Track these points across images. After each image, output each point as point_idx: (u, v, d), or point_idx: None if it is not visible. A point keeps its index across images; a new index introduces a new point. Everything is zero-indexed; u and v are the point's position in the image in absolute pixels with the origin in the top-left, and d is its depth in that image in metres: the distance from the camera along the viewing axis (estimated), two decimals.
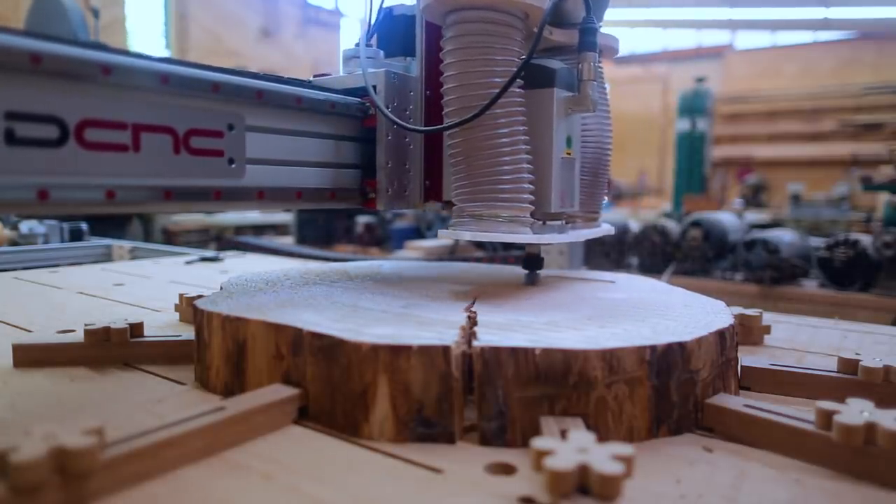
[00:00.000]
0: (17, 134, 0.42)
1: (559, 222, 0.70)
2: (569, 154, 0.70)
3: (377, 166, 0.71)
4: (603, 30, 0.71)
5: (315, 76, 0.74)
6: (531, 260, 0.76)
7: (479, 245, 3.02)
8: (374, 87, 0.69)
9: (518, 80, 0.62)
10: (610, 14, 0.78)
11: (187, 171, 0.53)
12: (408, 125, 0.69)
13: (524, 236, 0.64)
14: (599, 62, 0.71)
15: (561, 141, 0.68)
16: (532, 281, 0.76)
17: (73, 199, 0.46)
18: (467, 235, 0.64)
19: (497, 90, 0.61)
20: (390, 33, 0.77)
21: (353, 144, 0.71)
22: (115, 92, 0.47)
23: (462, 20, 0.63)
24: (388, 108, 0.69)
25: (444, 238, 0.67)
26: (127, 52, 0.48)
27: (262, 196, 0.60)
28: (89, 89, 0.46)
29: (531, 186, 0.65)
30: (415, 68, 0.75)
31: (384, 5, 0.78)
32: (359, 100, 0.70)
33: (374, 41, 0.78)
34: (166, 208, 0.53)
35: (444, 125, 0.65)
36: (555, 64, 0.68)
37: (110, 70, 0.46)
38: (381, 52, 0.75)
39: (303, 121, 0.64)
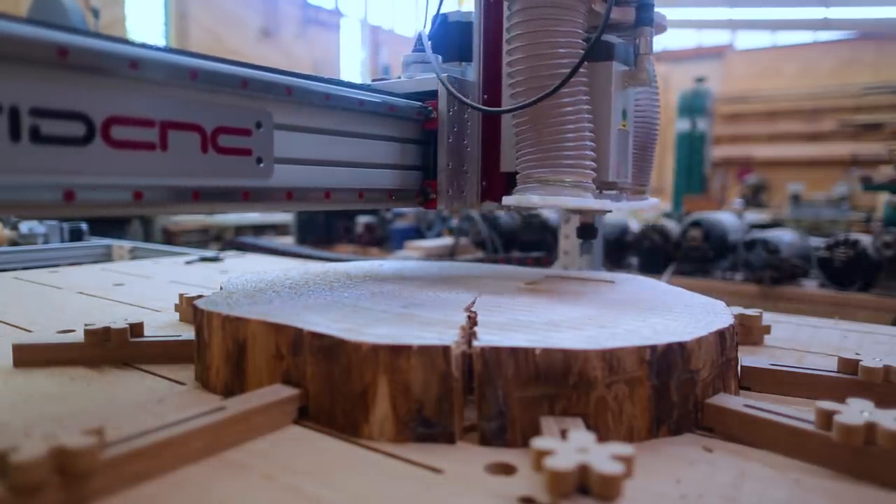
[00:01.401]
0: (43, 131, 0.40)
1: (614, 192, 0.73)
2: (624, 126, 0.73)
3: (438, 168, 0.73)
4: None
5: (373, 80, 0.77)
6: (586, 229, 0.79)
7: (480, 245, 3.03)
8: (436, 91, 0.72)
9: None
10: None
11: (215, 170, 0.51)
12: (486, 108, 0.73)
13: (587, 201, 0.66)
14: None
15: (618, 113, 0.71)
16: (587, 250, 0.78)
17: (101, 201, 0.44)
18: (535, 199, 0.66)
19: (563, 64, 0.63)
20: (446, 39, 0.80)
21: (406, 146, 0.73)
22: (142, 88, 0.46)
23: None
24: (448, 111, 0.72)
25: (511, 203, 0.68)
26: (154, 47, 0.47)
27: (290, 197, 0.59)
28: (116, 84, 0.44)
29: (593, 154, 0.67)
30: (470, 73, 0.77)
31: (440, 12, 0.81)
32: (420, 104, 0.72)
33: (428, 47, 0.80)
34: (194, 209, 0.52)
35: (520, 104, 0.66)
36: (613, 39, 0.70)
37: (137, 64, 0.45)
38: (440, 57, 0.77)
39: (333, 120, 0.63)
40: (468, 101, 0.70)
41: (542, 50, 0.64)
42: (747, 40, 10.49)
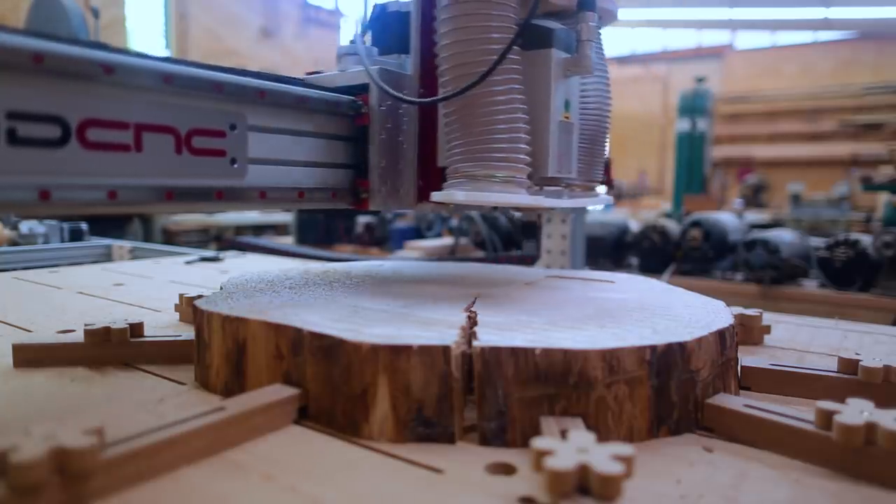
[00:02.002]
0: (19, 133, 0.42)
1: (556, 188, 0.69)
2: (567, 118, 0.69)
3: (370, 166, 0.69)
4: None
5: (307, 73, 0.73)
6: (527, 227, 0.75)
7: (480, 245, 3.02)
8: (367, 85, 0.67)
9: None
10: None
11: (189, 171, 0.52)
12: (408, 98, 0.68)
13: (519, 197, 0.62)
14: (599, 26, 0.70)
15: (559, 103, 0.67)
16: (530, 249, 0.75)
17: (75, 200, 0.46)
18: (460, 196, 0.61)
19: (495, 51, 0.59)
20: (384, 30, 0.76)
21: (346, 143, 0.70)
22: (117, 91, 0.47)
23: None
24: (380, 106, 0.68)
25: (437, 199, 0.64)
26: (129, 52, 0.48)
27: (263, 196, 0.59)
28: (91, 89, 0.46)
29: (528, 148, 0.63)
30: (409, 65, 0.73)
31: (378, 2, 0.76)
32: (352, 98, 0.68)
33: (367, 38, 0.77)
34: (168, 209, 0.53)
35: (444, 95, 0.62)
36: (552, 25, 0.67)
37: (112, 69, 0.46)
38: (376, 50, 0.74)
39: (305, 120, 0.63)
40: (391, 90, 0.65)
41: (472, 35, 0.60)
42: (747, 40, 10.49)
